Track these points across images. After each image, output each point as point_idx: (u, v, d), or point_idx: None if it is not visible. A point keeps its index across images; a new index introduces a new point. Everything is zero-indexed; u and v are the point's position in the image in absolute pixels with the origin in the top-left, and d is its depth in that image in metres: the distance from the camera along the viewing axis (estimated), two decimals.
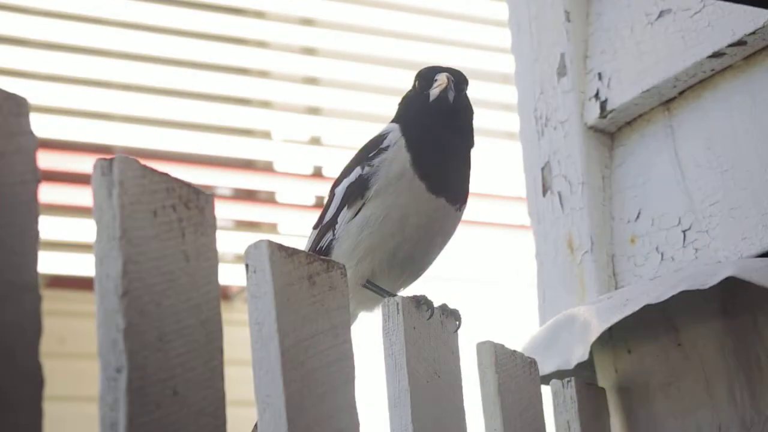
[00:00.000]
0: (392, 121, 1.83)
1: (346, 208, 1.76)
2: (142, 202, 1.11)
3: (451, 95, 1.78)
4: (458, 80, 1.80)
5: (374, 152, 1.76)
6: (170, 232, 1.13)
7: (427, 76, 1.81)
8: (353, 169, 1.78)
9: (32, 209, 1.00)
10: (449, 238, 1.80)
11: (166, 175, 1.15)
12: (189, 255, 1.15)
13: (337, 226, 1.77)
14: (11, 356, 0.95)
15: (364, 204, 1.74)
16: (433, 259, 1.80)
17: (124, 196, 1.09)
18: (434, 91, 1.78)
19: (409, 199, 1.72)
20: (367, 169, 1.75)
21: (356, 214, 1.74)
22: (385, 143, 1.76)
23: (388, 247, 1.73)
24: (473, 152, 1.84)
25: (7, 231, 0.98)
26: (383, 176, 1.73)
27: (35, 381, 0.97)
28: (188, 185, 1.17)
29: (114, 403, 1.05)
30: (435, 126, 1.77)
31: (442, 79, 1.78)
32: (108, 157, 1.10)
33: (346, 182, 1.78)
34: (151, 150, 5.17)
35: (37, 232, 1.00)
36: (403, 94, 1.87)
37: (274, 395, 1.24)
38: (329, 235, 1.78)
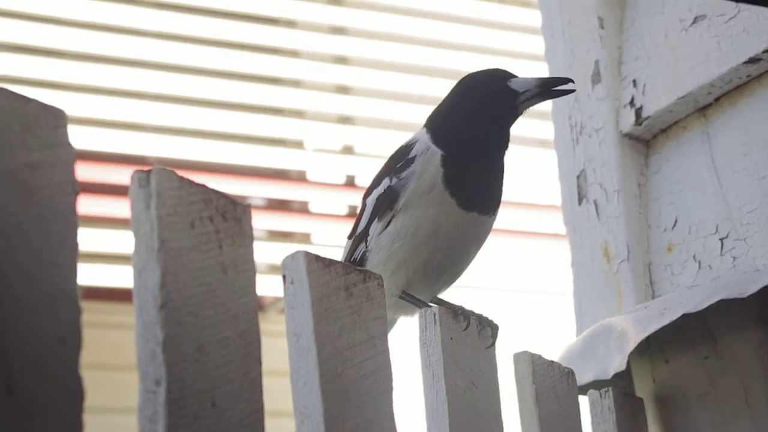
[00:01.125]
0: (426, 126, 1.80)
1: (376, 220, 1.76)
2: (179, 213, 1.11)
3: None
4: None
5: (402, 163, 1.75)
6: (208, 243, 1.13)
7: (500, 87, 1.77)
8: (382, 180, 1.77)
9: (71, 221, 1.00)
10: (483, 243, 1.78)
11: (203, 186, 1.15)
12: (226, 266, 1.15)
13: (369, 238, 1.76)
14: (51, 368, 0.95)
15: (394, 216, 1.73)
16: (468, 264, 1.78)
17: (161, 208, 1.09)
18: (528, 103, 1.76)
19: (440, 212, 1.71)
20: (395, 180, 1.74)
21: (387, 226, 1.73)
22: (412, 153, 1.75)
23: (421, 258, 1.72)
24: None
25: (46, 242, 0.98)
26: (412, 189, 1.72)
27: (75, 393, 0.97)
28: (225, 196, 1.17)
29: (153, 415, 1.05)
30: (489, 138, 1.76)
31: (534, 85, 1.76)
32: (145, 168, 1.11)
33: (375, 193, 1.77)
34: (186, 160, 5.19)
35: (75, 244, 1.00)
36: (437, 102, 1.84)
37: (311, 407, 1.24)
38: (362, 247, 1.78)
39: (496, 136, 1.76)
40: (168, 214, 1.09)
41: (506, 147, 1.79)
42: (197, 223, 1.13)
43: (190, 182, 1.13)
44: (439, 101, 1.83)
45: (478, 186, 1.74)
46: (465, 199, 1.71)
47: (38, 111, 1.00)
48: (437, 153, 1.73)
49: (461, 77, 1.83)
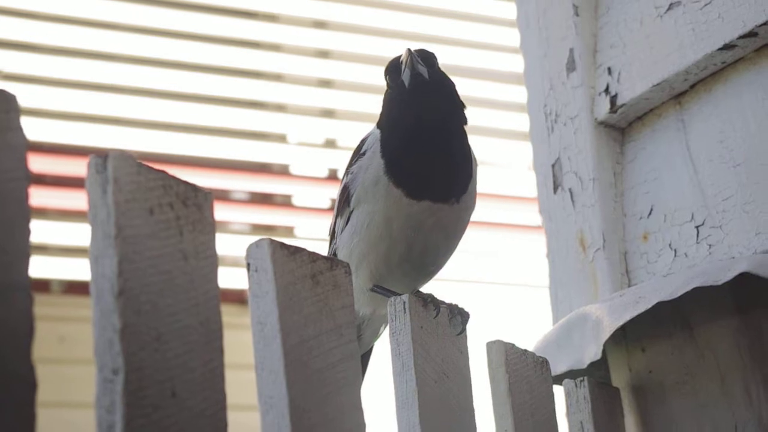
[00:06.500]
0: (376, 126, 1.78)
1: (339, 217, 1.74)
2: (137, 199, 1.09)
3: (423, 70, 1.72)
4: (424, 56, 1.75)
5: (354, 159, 1.74)
6: (168, 230, 1.11)
7: (394, 66, 1.76)
8: (343, 178, 1.76)
9: (23, 207, 0.98)
10: (456, 233, 1.73)
11: (163, 172, 1.13)
12: (187, 254, 1.13)
13: (336, 235, 1.76)
14: (2, 357, 0.93)
15: (352, 211, 1.71)
16: (441, 256, 1.74)
17: (118, 194, 1.07)
18: (405, 73, 1.72)
19: (389, 205, 1.67)
20: (348, 177, 1.73)
21: (347, 222, 1.72)
22: (364, 148, 1.73)
23: (379, 252, 1.69)
24: (468, 129, 1.76)
25: None
26: (360, 183, 1.69)
27: (27, 383, 0.95)
28: (186, 183, 1.15)
29: (111, 405, 1.03)
30: (417, 119, 1.70)
31: (404, 55, 1.72)
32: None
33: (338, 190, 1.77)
34: (166, 154, 5.17)
35: (28, 231, 0.98)
36: None
37: (277, 396, 1.22)
38: (334, 244, 1.78)
39: (433, 110, 1.71)
40: (126, 200, 1.08)
41: (456, 118, 1.74)
42: (156, 209, 1.11)
43: (149, 168, 1.11)
44: None
45: (426, 172, 1.68)
46: (412, 189, 1.66)
47: None
48: (379, 145, 1.71)
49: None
